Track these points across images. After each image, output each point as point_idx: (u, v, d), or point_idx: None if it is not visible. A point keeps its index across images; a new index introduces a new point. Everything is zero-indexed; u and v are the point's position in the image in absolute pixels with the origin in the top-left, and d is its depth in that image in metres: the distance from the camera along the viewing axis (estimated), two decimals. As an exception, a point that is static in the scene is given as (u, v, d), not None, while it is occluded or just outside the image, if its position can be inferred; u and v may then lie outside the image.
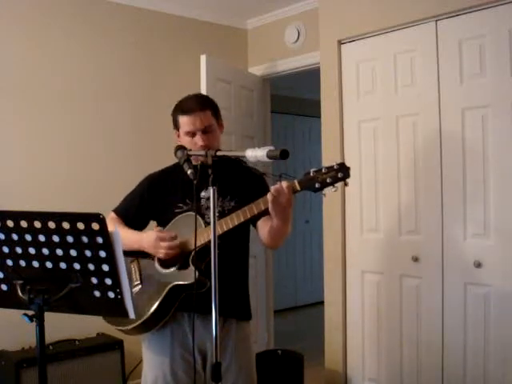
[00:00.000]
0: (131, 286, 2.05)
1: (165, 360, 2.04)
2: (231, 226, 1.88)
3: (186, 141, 2.04)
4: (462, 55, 2.84)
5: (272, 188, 1.73)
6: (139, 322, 1.96)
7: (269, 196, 1.74)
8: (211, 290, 1.66)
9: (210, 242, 1.74)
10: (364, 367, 3.32)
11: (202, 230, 1.91)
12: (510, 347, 2.67)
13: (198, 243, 1.88)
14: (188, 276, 1.92)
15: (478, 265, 2.76)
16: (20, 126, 3.43)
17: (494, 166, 2.74)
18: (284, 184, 1.73)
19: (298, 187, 1.75)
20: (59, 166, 3.56)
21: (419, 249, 3.03)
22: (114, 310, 1.56)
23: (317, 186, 1.70)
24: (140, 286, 2.05)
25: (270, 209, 1.77)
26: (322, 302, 3.60)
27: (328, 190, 1.72)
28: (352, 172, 1.73)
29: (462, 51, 2.84)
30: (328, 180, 1.69)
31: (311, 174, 1.71)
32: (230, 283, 2.00)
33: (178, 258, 1.98)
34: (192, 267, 1.91)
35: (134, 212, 2.19)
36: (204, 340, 2.02)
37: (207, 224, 1.91)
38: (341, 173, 1.67)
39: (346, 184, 1.71)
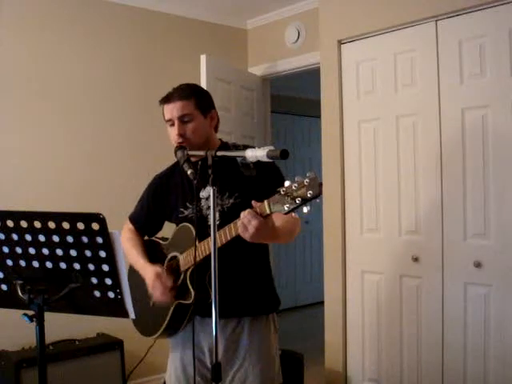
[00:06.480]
0: (146, 297, 2.09)
1: (177, 356, 2.12)
2: (224, 242, 1.79)
3: (169, 131, 2.04)
4: (461, 55, 2.84)
5: (238, 223, 1.65)
6: (156, 335, 2.10)
7: (239, 230, 1.66)
8: (214, 293, 1.61)
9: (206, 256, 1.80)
10: (364, 367, 3.32)
11: (198, 245, 1.89)
12: (510, 347, 2.67)
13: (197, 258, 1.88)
14: (190, 293, 1.94)
15: (478, 265, 2.76)
16: (17, 126, 3.42)
17: (493, 166, 2.74)
18: (249, 215, 1.61)
19: (268, 210, 1.59)
20: (57, 166, 3.55)
21: (419, 249, 3.03)
22: (113, 310, 1.56)
23: (286, 208, 1.52)
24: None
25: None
26: (322, 302, 3.60)
27: (298, 212, 1.53)
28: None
29: (462, 51, 2.84)
30: (297, 200, 1.49)
31: (281, 192, 1.54)
32: (242, 283, 2.01)
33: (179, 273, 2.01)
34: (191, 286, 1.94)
35: (144, 218, 2.22)
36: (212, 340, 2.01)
37: (208, 234, 1.82)
38: (311, 191, 1.47)
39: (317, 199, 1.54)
